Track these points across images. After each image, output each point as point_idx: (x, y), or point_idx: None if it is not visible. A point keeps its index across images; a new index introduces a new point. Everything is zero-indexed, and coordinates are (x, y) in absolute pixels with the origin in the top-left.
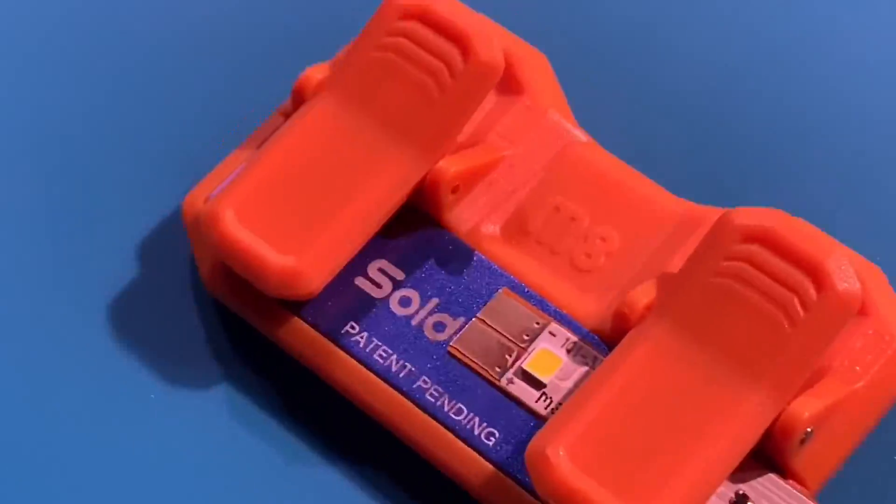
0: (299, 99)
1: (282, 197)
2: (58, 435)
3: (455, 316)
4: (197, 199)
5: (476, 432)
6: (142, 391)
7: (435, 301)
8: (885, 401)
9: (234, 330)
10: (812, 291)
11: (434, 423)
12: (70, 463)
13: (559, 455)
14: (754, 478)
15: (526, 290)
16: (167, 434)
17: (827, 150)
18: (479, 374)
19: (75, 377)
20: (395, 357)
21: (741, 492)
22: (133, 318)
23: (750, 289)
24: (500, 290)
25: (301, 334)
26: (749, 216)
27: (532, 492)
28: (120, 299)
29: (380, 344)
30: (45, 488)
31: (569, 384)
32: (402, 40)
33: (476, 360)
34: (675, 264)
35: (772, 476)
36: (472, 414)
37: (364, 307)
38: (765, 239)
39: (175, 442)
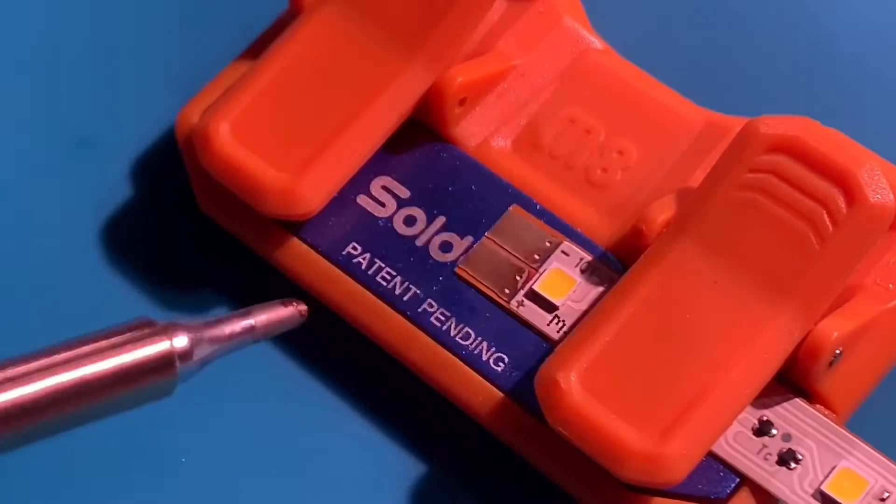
0: (298, 6)
1: (279, 112)
2: None
3: (463, 235)
4: (191, 115)
5: (484, 358)
6: (134, 315)
7: (441, 220)
8: None
9: (231, 251)
10: (842, 204)
11: (440, 348)
12: None
13: (570, 381)
14: (779, 403)
15: (538, 207)
16: None
17: (861, 57)
18: (488, 297)
19: (66, 300)
20: (399, 279)
21: (765, 418)
22: (124, 240)
23: (775, 202)
24: (510, 208)
25: (300, 256)
26: (775, 124)
27: (544, 420)
28: (111, 220)
29: (383, 266)
30: None
31: (583, 306)
32: None
33: (484, 282)
34: (697, 178)
35: (797, 401)
36: (480, 338)
37: (366, 227)
38: (792, 148)
39: None
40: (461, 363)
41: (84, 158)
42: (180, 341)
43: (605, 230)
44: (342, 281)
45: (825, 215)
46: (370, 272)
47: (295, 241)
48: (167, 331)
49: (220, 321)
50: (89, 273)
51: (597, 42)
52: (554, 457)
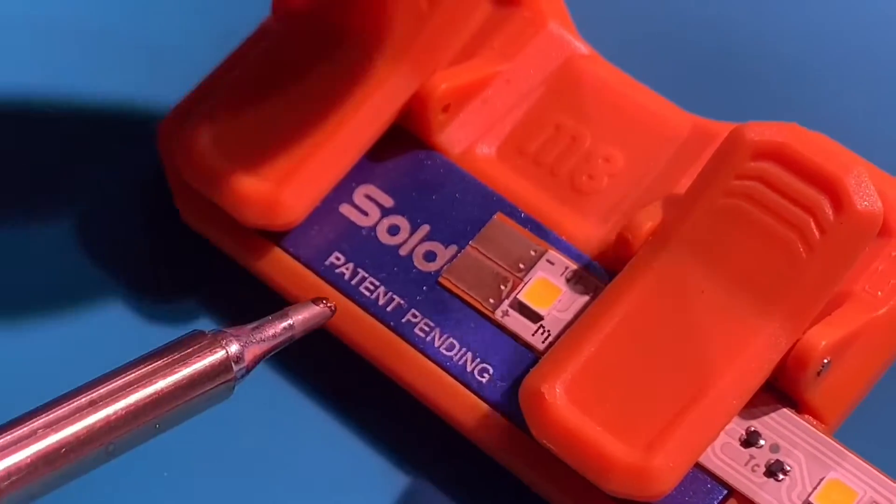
0: (280, 12)
1: (259, 119)
2: (31, 373)
3: (447, 244)
4: (173, 125)
5: (469, 369)
6: (119, 324)
7: (425, 228)
8: None
9: (213, 262)
10: (829, 211)
11: (424, 359)
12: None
13: (555, 393)
14: (766, 413)
15: (522, 214)
16: None
17: (847, 59)
18: (472, 307)
19: (48, 310)
20: (382, 289)
21: (752, 428)
22: (106, 250)
23: (762, 210)
24: (494, 216)
25: (282, 266)
26: (762, 131)
27: (529, 432)
28: (93, 230)
29: (366, 275)
30: None
31: (568, 316)
32: None
33: (469, 292)
34: (684, 185)
35: (785, 411)
36: (464, 349)
37: (350, 236)
38: (779, 155)
39: None
40: (445, 374)
41: (65, 168)
42: (233, 348)
43: (590, 238)
44: (325, 291)
45: (812, 223)
46: (353, 282)
47: (277, 251)
48: (220, 340)
49: (262, 325)
50: (71, 284)
51: (583, 47)
52: (539, 469)
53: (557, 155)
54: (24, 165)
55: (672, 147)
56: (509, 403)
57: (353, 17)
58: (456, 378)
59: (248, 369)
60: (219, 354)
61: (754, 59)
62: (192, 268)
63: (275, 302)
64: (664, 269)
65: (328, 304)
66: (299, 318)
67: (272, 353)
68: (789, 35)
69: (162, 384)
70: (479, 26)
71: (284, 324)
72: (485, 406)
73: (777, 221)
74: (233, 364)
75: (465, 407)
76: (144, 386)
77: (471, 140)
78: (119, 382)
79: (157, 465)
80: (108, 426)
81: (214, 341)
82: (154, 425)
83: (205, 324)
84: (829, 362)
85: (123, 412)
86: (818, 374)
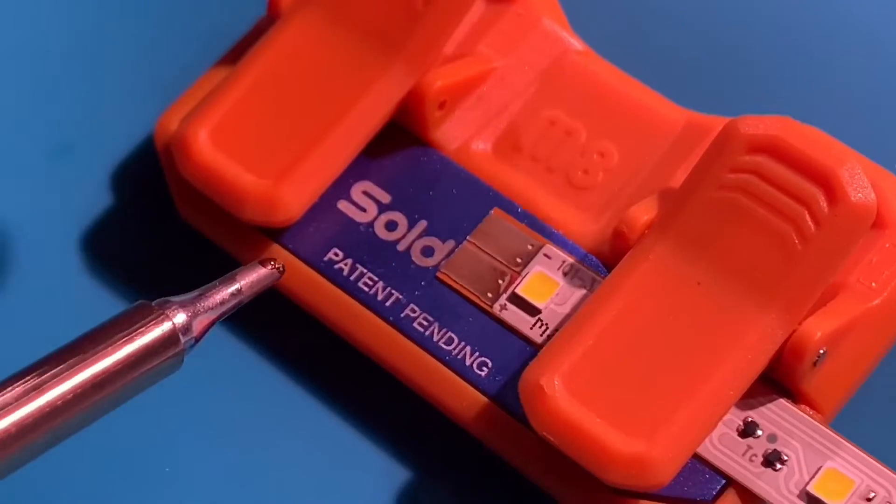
0: (275, 11)
1: (258, 117)
2: None
3: (444, 239)
4: (170, 122)
5: (468, 363)
6: None
7: (423, 224)
8: None
9: (212, 258)
10: (824, 204)
11: (423, 353)
12: None
13: (554, 385)
14: (763, 404)
15: (519, 209)
16: None
17: (841, 53)
18: (471, 301)
19: (46, 307)
20: (381, 285)
21: (750, 419)
22: (105, 247)
23: (757, 203)
24: (491, 211)
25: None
26: (755, 124)
27: (529, 424)
28: (92, 228)
29: (365, 271)
30: None
31: (566, 309)
32: None
33: (467, 286)
34: (679, 179)
35: (782, 401)
36: (463, 343)
37: (348, 232)
38: (772, 148)
39: None
40: (445, 368)
41: (64, 166)
42: (179, 318)
43: (587, 232)
44: (324, 287)
45: (807, 215)
46: (352, 278)
47: (276, 247)
48: (166, 311)
49: (209, 291)
50: (70, 280)
51: (576, 43)
52: (539, 461)
53: (552, 150)
54: (22, 166)
55: (666, 141)
56: (508, 396)
57: (349, 16)
58: (455, 372)
59: (197, 339)
60: (165, 326)
61: (747, 53)
62: (191, 265)
63: (273, 298)
64: (660, 262)
65: (276, 266)
66: (246, 282)
67: (222, 320)
68: (782, 28)
69: (108, 362)
70: (473, 23)
71: (232, 289)
72: (484, 399)
73: (772, 214)
74: (180, 335)
75: (464, 400)
76: (90, 365)
77: (467, 136)
78: (63, 364)
79: (158, 462)
80: (54, 411)
81: (160, 313)
82: (102, 405)
83: None
84: (824, 353)
85: (70, 395)
86: (814, 364)
